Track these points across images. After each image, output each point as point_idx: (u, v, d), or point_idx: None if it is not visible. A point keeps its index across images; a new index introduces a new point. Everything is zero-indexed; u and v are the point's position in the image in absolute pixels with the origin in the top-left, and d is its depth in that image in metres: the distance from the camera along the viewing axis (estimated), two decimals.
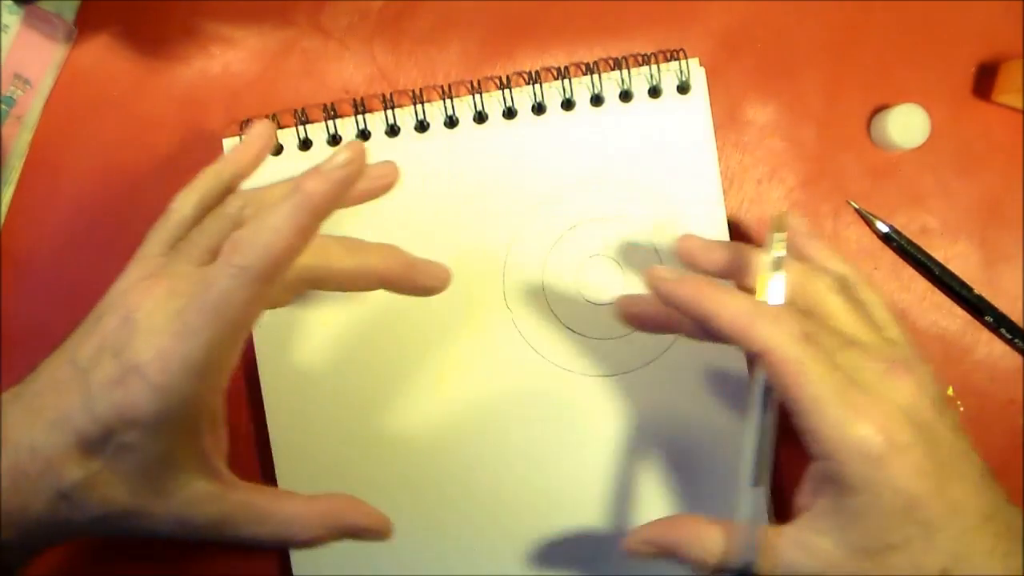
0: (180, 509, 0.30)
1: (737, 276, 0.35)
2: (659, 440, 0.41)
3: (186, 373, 0.28)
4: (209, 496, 0.31)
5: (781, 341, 0.30)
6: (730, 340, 0.31)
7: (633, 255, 0.41)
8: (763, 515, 0.32)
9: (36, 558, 0.32)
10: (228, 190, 0.35)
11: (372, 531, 0.34)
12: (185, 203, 0.34)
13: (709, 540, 0.32)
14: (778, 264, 0.32)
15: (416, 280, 0.36)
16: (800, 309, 0.32)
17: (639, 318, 0.37)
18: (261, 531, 0.32)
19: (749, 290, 0.33)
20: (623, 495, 0.41)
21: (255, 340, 0.40)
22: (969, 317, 0.43)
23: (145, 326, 0.29)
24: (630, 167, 0.41)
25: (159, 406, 0.28)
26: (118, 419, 0.28)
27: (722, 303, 0.31)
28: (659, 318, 0.36)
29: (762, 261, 0.33)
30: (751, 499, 0.32)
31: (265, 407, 0.41)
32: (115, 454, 0.29)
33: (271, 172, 0.40)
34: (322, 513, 0.33)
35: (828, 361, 0.30)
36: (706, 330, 0.32)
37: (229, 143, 0.41)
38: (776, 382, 0.30)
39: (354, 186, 0.31)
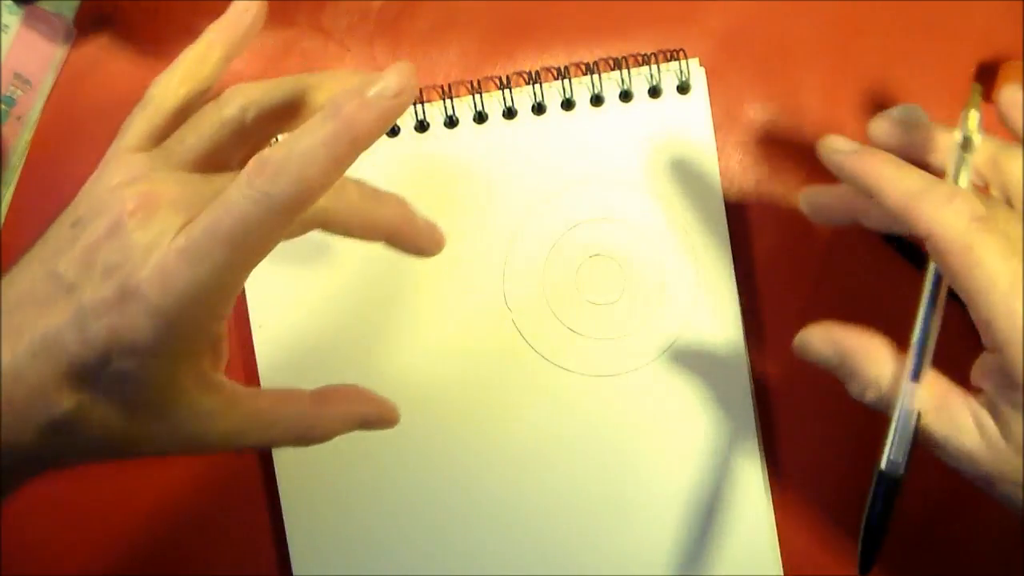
0: (186, 430, 0.28)
1: (923, 155, 0.33)
2: (658, 439, 0.41)
3: (190, 299, 0.26)
4: (215, 413, 0.29)
5: (950, 223, 0.28)
6: (898, 220, 0.29)
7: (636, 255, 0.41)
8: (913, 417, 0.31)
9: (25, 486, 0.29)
10: (215, 76, 0.31)
11: (382, 420, 0.33)
12: (167, 89, 0.30)
13: (884, 366, 0.31)
14: (966, 145, 0.31)
15: (416, 239, 0.33)
16: (992, 193, 0.30)
17: (823, 209, 0.35)
18: (274, 435, 0.30)
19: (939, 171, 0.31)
20: (622, 495, 0.41)
21: (255, 346, 0.40)
22: (969, 317, 0.43)
23: (142, 239, 0.26)
24: (630, 167, 0.41)
25: (160, 332, 0.25)
26: (115, 344, 0.26)
27: (892, 179, 0.29)
28: (841, 207, 0.34)
29: (950, 140, 0.31)
30: (909, 394, 0.31)
31: None
32: (111, 382, 0.26)
33: None
34: (332, 407, 0.31)
35: (1007, 247, 0.27)
36: (883, 215, 0.30)
37: None
38: (944, 269, 0.29)
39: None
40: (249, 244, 0.26)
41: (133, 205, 0.26)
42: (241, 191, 0.25)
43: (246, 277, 0.27)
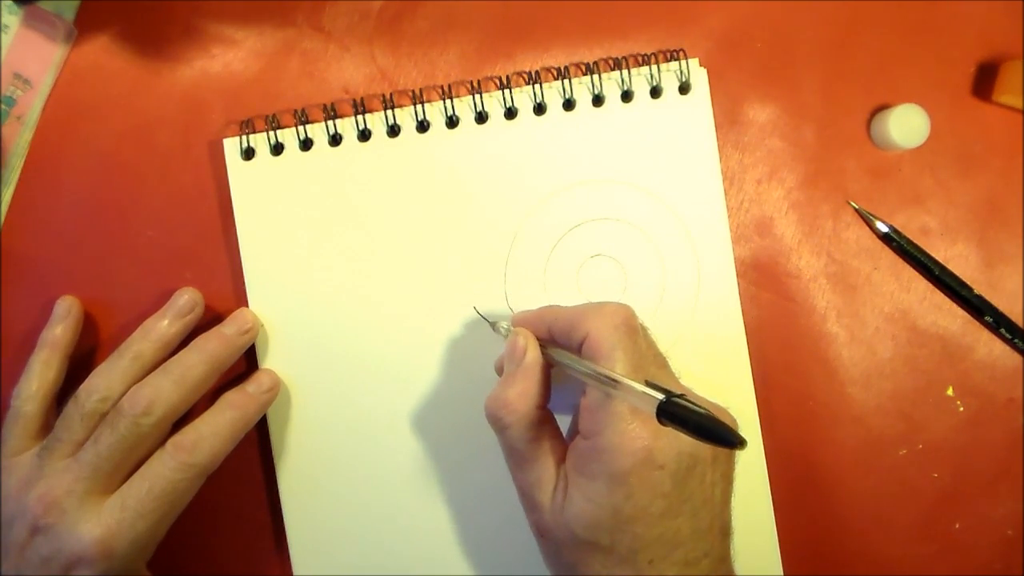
0: None
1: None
2: None
3: (130, 549, 0.35)
4: None
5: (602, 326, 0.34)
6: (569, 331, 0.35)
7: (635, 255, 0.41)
8: None
9: None
10: (62, 374, 0.39)
11: None
12: (29, 399, 0.38)
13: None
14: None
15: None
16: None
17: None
18: None
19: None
20: None
21: (256, 344, 0.40)
22: (969, 317, 0.43)
23: (63, 530, 0.35)
24: (631, 167, 0.41)
25: None
26: None
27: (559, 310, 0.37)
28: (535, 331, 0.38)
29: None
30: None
31: (268, 420, 0.41)
32: None
33: (274, 173, 0.41)
34: None
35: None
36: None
37: (230, 143, 0.40)
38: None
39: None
40: (178, 500, 0.36)
41: (40, 508, 0.35)
42: (166, 464, 0.36)
43: (168, 525, 0.37)
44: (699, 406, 0.28)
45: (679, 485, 0.32)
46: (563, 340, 0.35)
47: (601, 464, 0.32)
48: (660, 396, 0.29)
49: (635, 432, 0.32)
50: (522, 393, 0.35)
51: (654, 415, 0.29)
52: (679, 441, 0.32)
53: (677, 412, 0.28)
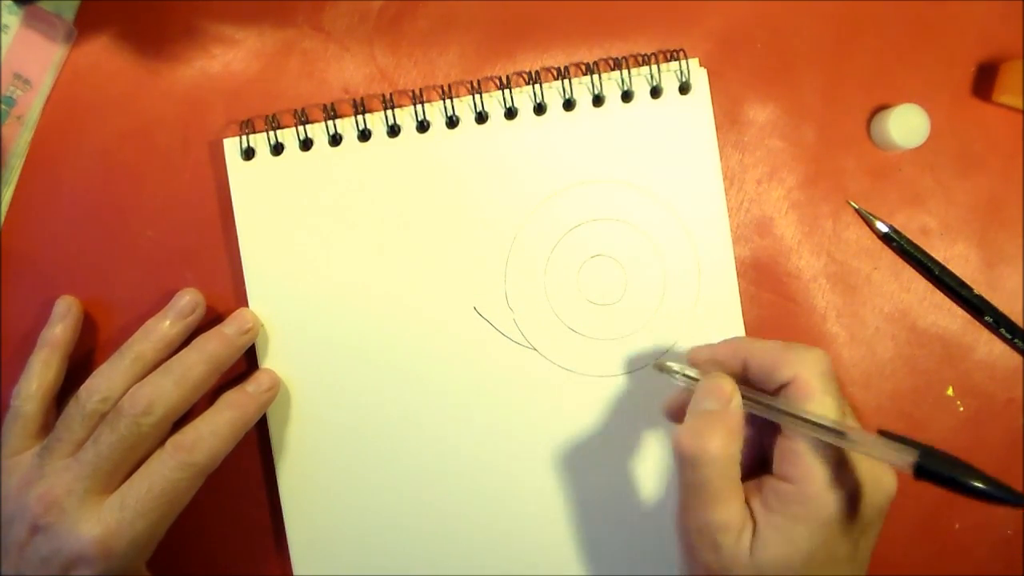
0: None
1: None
2: (658, 440, 0.41)
3: (129, 548, 0.35)
4: None
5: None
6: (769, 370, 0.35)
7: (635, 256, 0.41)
8: None
9: None
10: (62, 374, 0.40)
11: None
12: (28, 399, 0.38)
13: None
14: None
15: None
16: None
17: (707, 365, 0.38)
18: None
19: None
20: (623, 494, 0.41)
21: (256, 344, 0.40)
22: (969, 317, 0.43)
23: (62, 530, 0.35)
24: (631, 167, 0.41)
25: None
26: None
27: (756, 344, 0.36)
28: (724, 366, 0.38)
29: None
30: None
31: (268, 420, 0.41)
32: None
33: (274, 173, 0.41)
34: None
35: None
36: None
37: (230, 143, 0.40)
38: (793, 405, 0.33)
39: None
40: (178, 500, 0.36)
41: (40, 508, 0.35)
42: (166, 463, 0.36)
43: (168, 524, 0.37)
44: (962, 461, 0.29)
45: (863, 537, 0.33)
46: (758, 378, 0.35)
47: (807, 508, 0.32)
48: (915, 451, 0.29)
49: (842, 481, 0.32)
50: (729, 433, 0.34)
51: (909, 471, 0.29)
52: (877, 496, 0.33)
53: (938, 469, 0.29)
